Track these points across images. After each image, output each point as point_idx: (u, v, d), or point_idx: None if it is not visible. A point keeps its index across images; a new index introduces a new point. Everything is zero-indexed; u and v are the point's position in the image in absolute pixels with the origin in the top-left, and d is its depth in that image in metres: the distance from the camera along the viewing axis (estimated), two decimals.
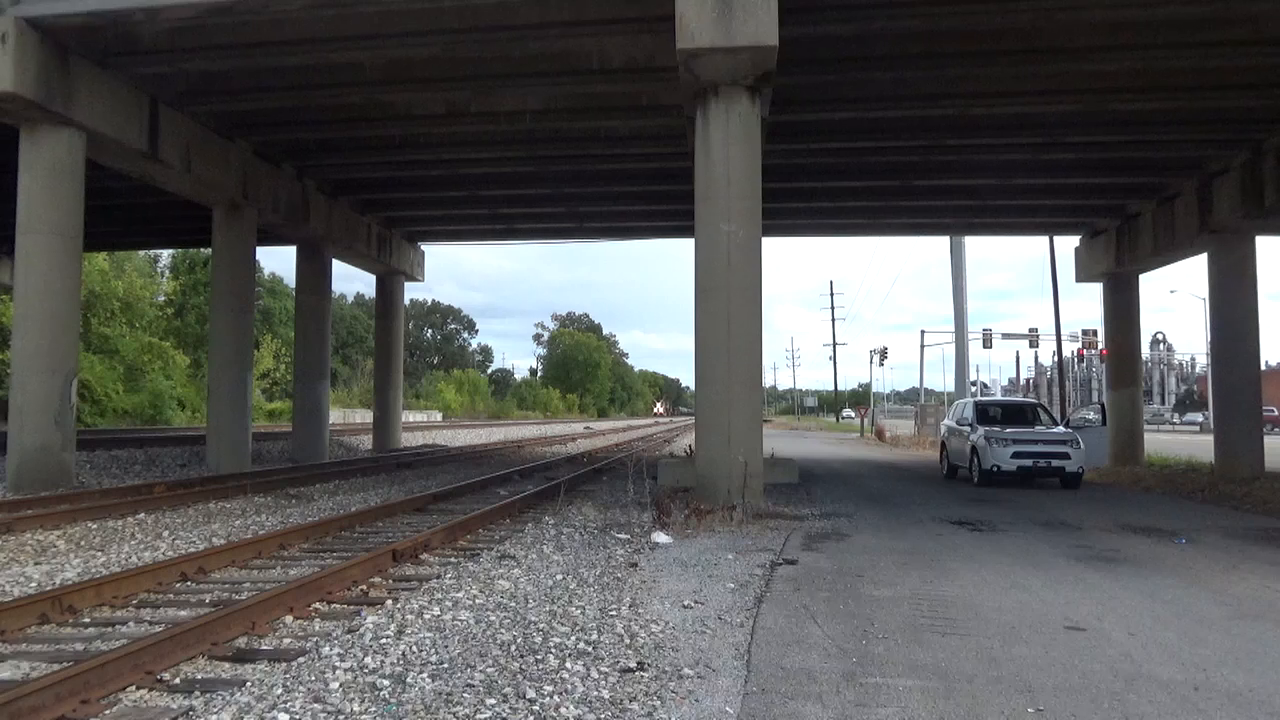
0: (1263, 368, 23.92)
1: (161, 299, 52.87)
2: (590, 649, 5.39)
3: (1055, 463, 16.64)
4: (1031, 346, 64.65)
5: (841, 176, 21.69)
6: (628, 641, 5.59)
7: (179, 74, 16.35)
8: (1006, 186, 22.48)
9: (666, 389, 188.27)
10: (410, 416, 54.23)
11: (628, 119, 18.29)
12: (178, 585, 7.72)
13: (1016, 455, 16.59)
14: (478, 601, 6.62)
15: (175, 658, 5.31)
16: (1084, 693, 4.71)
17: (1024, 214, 25.36)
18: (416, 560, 8.79)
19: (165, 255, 56.67)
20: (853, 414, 77.28)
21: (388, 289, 30.25)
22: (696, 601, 6.72)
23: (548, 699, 4.52)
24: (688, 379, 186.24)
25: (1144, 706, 4.52)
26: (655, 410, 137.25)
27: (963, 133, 18.08)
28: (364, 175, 23.12)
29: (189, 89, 16.89)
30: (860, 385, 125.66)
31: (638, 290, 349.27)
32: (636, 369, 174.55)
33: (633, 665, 5.09)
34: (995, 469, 16.64)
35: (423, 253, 31.47)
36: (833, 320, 72.83)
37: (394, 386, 30.31)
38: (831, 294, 77.05)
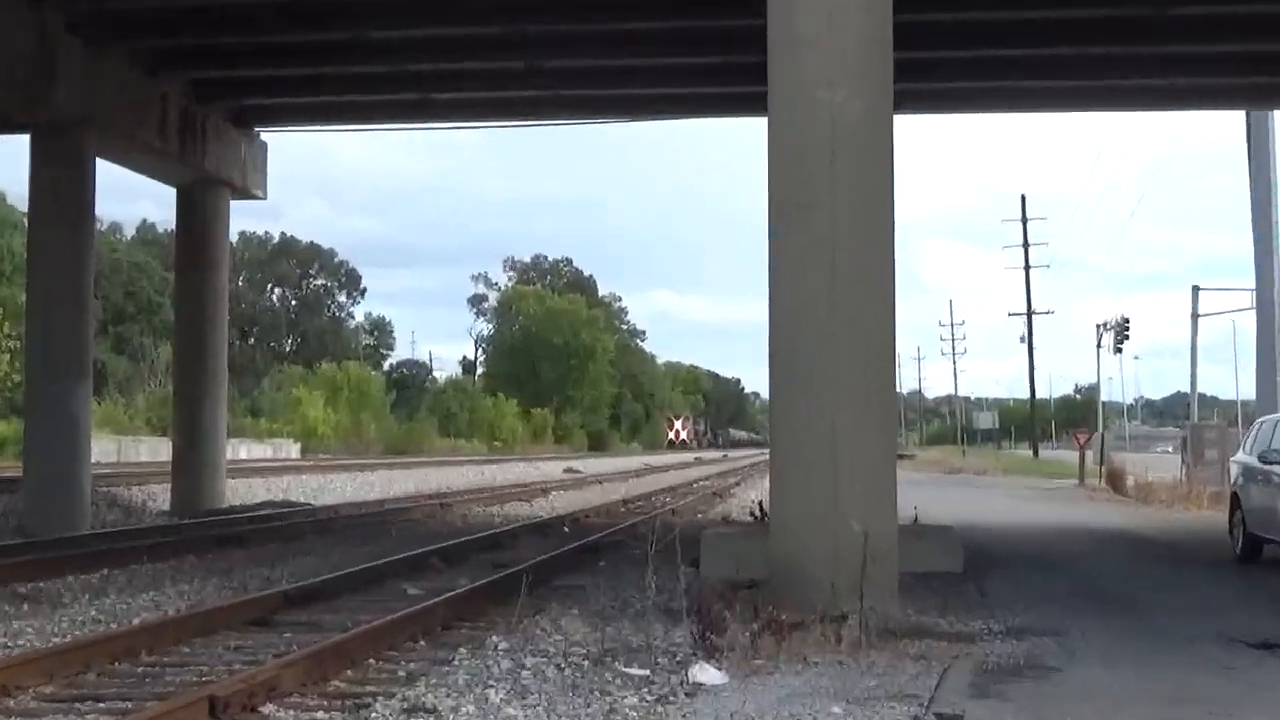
0: None
1: None
2: None
3: None
4: None
5: None
6: None
7: None
8: None
9: (712, 395, 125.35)
10: (244, 449, 38.05)
11: None
12: None
13: None
14: None
15: None
16: None
17: None
18: (253, 716, 5.78)
19: None
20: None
21: (200, 212, 19.32)
22: None
23: None
24: (755, 380, 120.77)
25: None
26: (674, 432, 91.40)
27: None
28: (156, 3, 14.97)
29: None
30: (1078, 388, 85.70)
31: (662, 218, 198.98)
32: (661, 360, 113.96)
33: None
34: None
35: (264, 145, 20.38)
36: (1026, 269, 44.36)
37: (209, 392, 19.47)
38: (1024, 217, 44.96)
